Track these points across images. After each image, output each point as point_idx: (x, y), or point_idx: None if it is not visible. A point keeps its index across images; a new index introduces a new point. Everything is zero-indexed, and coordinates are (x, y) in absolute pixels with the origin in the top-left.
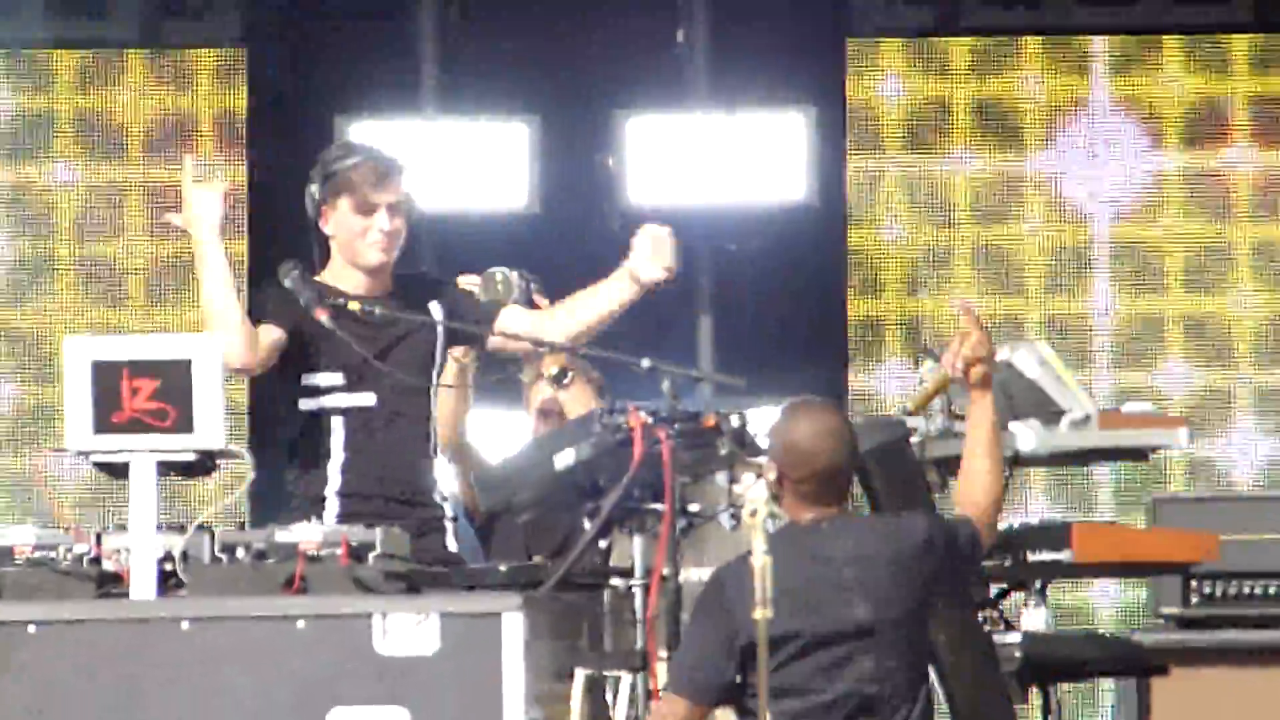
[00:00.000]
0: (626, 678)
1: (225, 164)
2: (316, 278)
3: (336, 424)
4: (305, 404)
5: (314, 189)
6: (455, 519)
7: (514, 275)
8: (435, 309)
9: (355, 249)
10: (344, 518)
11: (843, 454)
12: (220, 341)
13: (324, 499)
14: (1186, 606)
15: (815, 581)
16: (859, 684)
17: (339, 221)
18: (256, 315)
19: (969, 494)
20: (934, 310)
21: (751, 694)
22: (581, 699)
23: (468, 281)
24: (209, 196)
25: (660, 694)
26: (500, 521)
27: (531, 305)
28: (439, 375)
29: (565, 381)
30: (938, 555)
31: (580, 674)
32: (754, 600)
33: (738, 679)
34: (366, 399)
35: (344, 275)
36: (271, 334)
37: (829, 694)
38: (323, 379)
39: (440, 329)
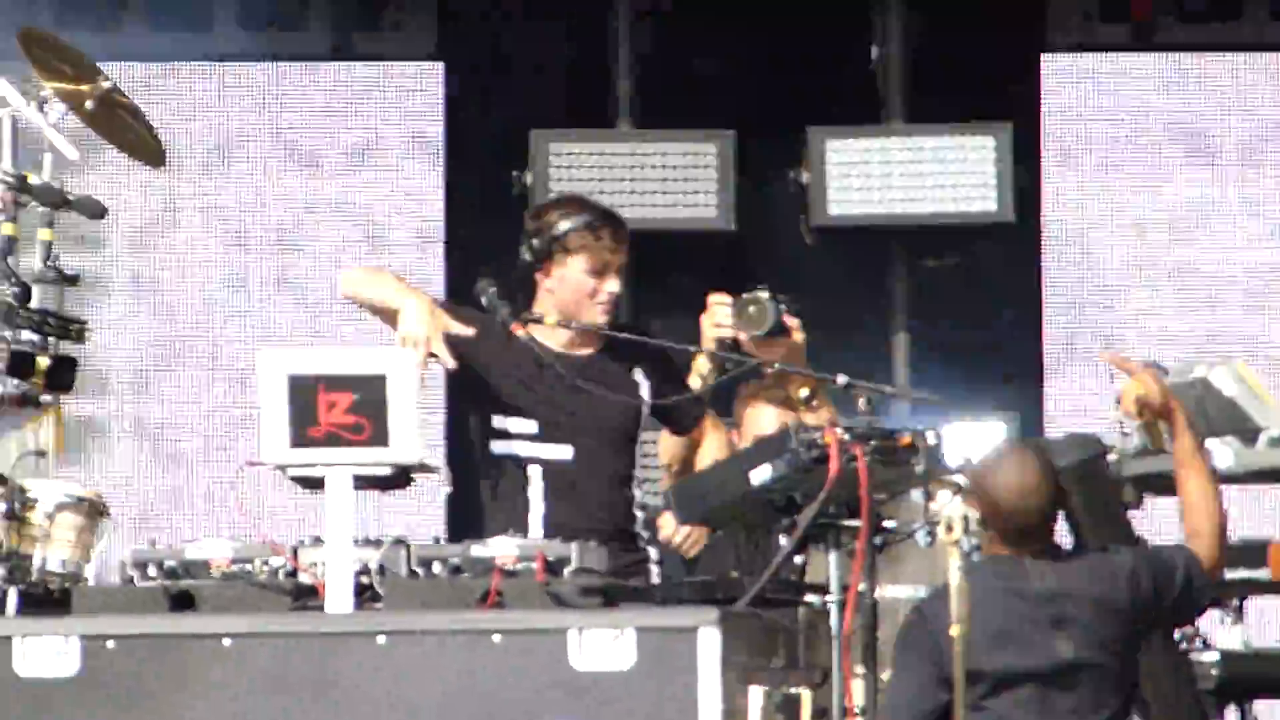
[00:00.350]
0: (807, 694)
1: (419, 179)
2: (538, 315)
3: (534, 474)
4: (497, 447)
5: (537, 241)
6: (661, 561)
7: (766, 300)
8: (639, 375)
9: (581, 308)
10: None
11: (1045, 507)
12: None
13: None
14: None
15: (1015, 617)
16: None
17: (565, 278)
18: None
19: (1190, 523)
20: (1134, 326)
21: None
22: (760, 717)
23: (718, 301)
24: (426, 334)
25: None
26: (710, 546)
27: (784, 329)
28: (637, 436)
29: (814, 404)
30: (1146, 593)
31: (757, 691)
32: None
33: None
34: (563, 452)
35: (553, 328)
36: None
37: None
38: (514, 424)
39: (645, 399)
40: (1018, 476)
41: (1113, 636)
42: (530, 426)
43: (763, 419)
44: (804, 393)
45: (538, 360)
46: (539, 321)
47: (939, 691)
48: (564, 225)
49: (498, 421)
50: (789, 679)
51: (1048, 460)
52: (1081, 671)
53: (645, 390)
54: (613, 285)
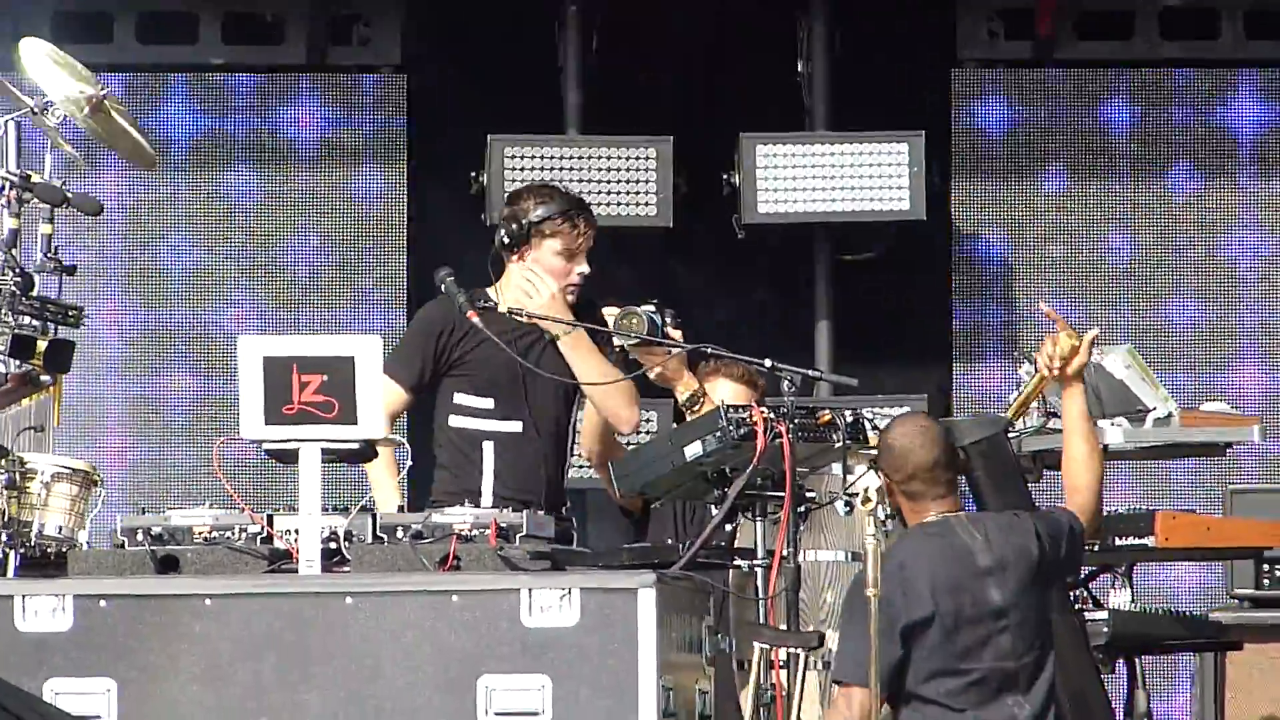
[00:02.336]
0: (758, 649)
1: (385, 181)
2: (492, 304)
3: (487, 447)
4: (455, 421)
5: (514, 226)
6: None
7: (645, 315)
8: None
9: None
10: None
11: (933, 449)
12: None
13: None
14: (1259, 588)
15: (955, 569)
16: (999, 661)
17: (540, 260)
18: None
19: (1072, 478)
20: (1031, 317)
21: (913, 677)
22: (758, 670)
23: (608, 313)
24: None
25: (788, 671)
26: (654, 513)
27: (665, 339)
28: (579, 406)
29: (695, 408)
30: (1045, 547)
31: (758, 648)
32: (899, 591)
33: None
34: (514, 426)
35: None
36: (397, 394)
37: (976, 673)
38: (475, 401)
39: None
40: (914, 424)
41: (1030, 587)
42: (488, 404)
43: (719, 392)
44: (684, 395)
45: (495, 342)
46: (493, 309)
47: (894, 649)
48: (540, 212)
49: (459, 398)
50: (785, 640)
51: (936, 418)
52: (1010, 616)
53: None
54: (582, 268)
